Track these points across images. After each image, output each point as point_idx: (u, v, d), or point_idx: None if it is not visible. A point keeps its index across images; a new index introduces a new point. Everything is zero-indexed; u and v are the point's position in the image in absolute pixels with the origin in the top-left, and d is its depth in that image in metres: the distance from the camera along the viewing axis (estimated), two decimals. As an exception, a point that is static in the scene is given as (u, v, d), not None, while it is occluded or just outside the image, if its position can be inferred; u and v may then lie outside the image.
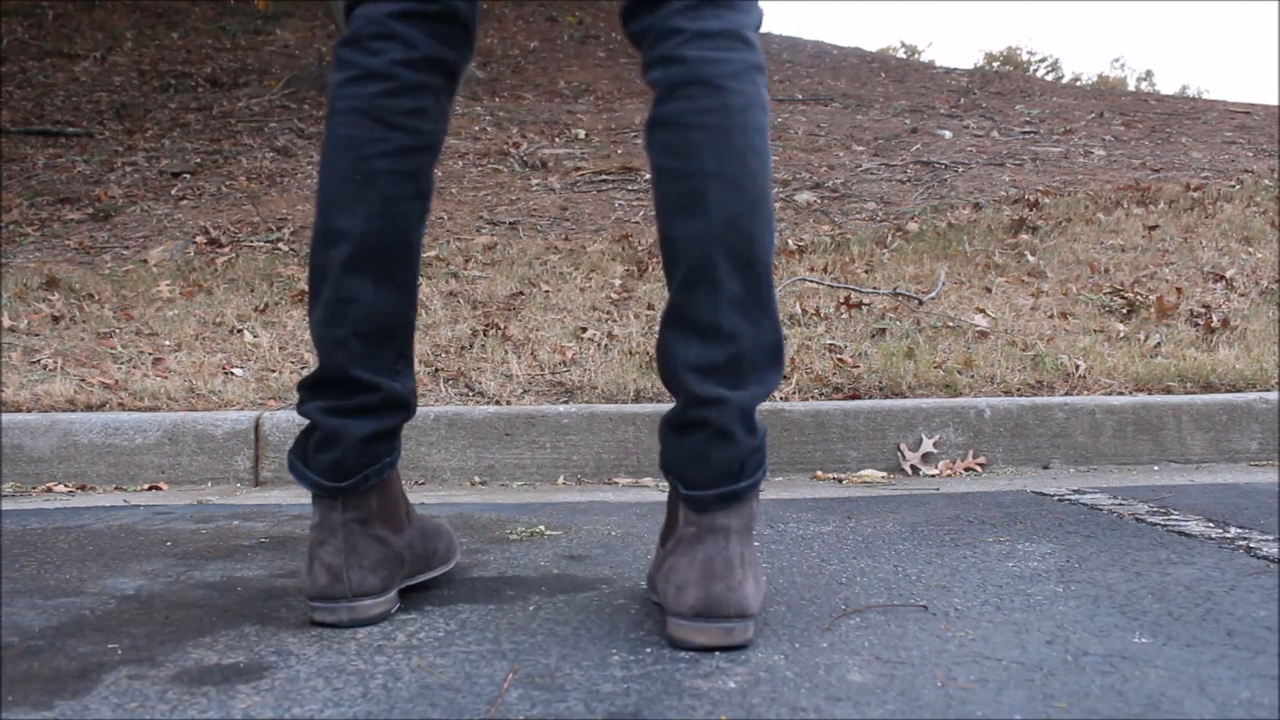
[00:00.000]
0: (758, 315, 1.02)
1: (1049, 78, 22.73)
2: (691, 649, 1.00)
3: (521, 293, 3.33)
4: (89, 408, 2.40)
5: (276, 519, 1.78)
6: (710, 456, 1.01)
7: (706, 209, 1.01)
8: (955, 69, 9.19)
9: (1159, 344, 2.93)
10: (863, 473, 2.31)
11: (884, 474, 2.31)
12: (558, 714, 0.84)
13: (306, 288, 1.14)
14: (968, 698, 0.87)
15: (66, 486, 2.21)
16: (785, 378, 2.61)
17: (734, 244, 1.01)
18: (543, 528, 1.66)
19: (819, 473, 2.32)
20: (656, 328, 2.96)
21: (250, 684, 0.92)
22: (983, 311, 3.16)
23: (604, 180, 4.94)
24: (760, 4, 1.11)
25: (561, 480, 2.28)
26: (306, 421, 1.13)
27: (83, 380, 2.54)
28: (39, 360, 2.69)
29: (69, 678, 0.94)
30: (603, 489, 2.18)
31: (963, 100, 7.42)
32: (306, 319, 1.15)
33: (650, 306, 3.16)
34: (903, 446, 2.35)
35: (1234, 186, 4.76)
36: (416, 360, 2.74)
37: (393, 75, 1.09)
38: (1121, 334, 3.03)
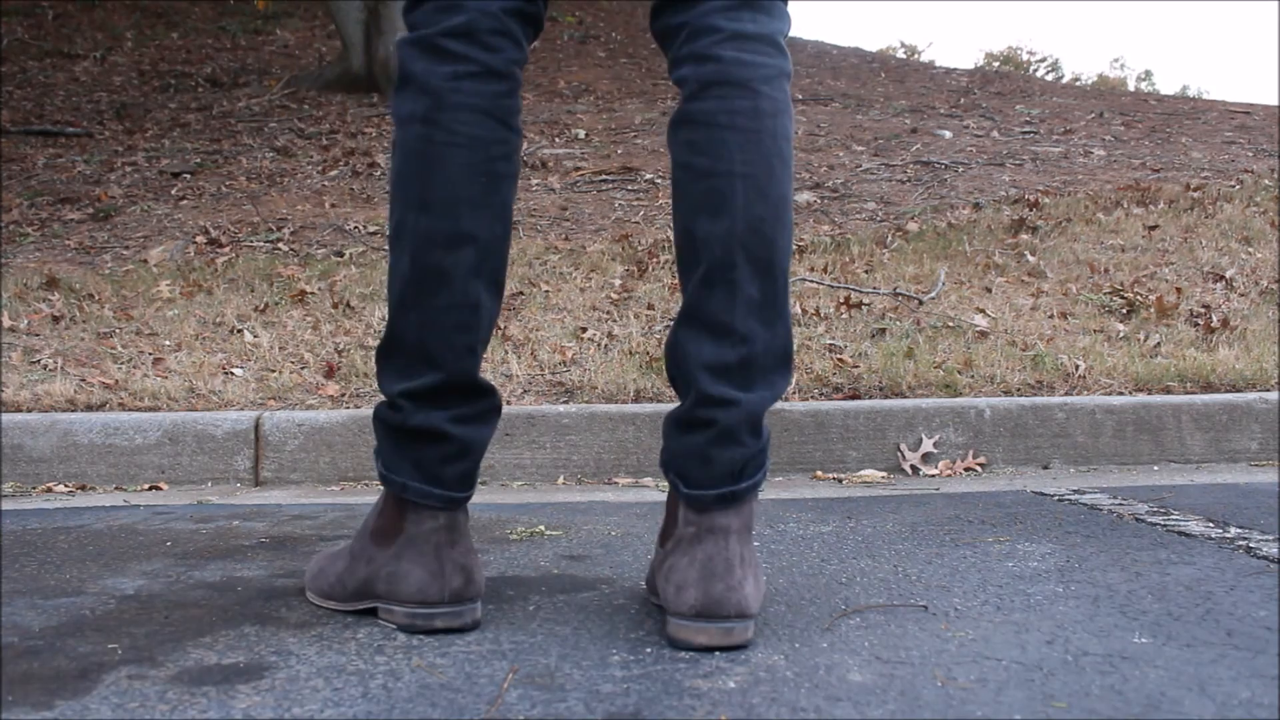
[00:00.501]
0: (772, 319, 1.03)
1: (1049, 78, 22.74)
2: (691, 649, 1.00)
3: (521, 293, 3.33)
4: (89, 408, 2.40)
5: (276, 519, 1.78)
6: (713, 456, 1.02)
7: (731, 210, 1.01)
8: (955, 69, 9.19)
9: (1159, 344, 2.93)
10: (863, 473, 2.31)
11: (884, 474, 2.31)
12: (558, 714, 0.84)
13: (398, 286, 1.05)
14: (968, 698, 0.87)
15: (66, 486, 2.21)
16: (785, 378, 2.61)
17: (755, 247, 1.01)
18: (543, 528, 1.66)
19: (819, 473, 2.32)
20: (657, 328, 2.97)
21: (250, 684, 0.92)
22: (983, 311, 3.16)
23: (604, 180, 4.94)
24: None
25: (561, 480, 2.28)
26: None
27: (83, 380, 2.54)
28: (39, 360, 2.69)
29: (69, 678, 0.94)
30: (603, 489, 2.18)
31: (963, 100, 7.42)
32: (394, 317, 1.08)
33: (650, 306, 3.16)
34: (903, 446, 2.35)
35: (1234, 186, 4.76)
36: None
37: (512, 75, 1.07)
38: (1121, 334, 3.03)
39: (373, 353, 2.77)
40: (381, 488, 1.14)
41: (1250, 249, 3.85)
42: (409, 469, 1.07)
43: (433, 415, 1.06)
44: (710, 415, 1.01)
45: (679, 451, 1.04)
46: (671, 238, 1.12)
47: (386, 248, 1.13)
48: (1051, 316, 3.17)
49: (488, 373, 2.65)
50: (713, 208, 1.02)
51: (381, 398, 1.11)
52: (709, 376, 1.02)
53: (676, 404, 1.08)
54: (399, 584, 1.07)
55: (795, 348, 2.81)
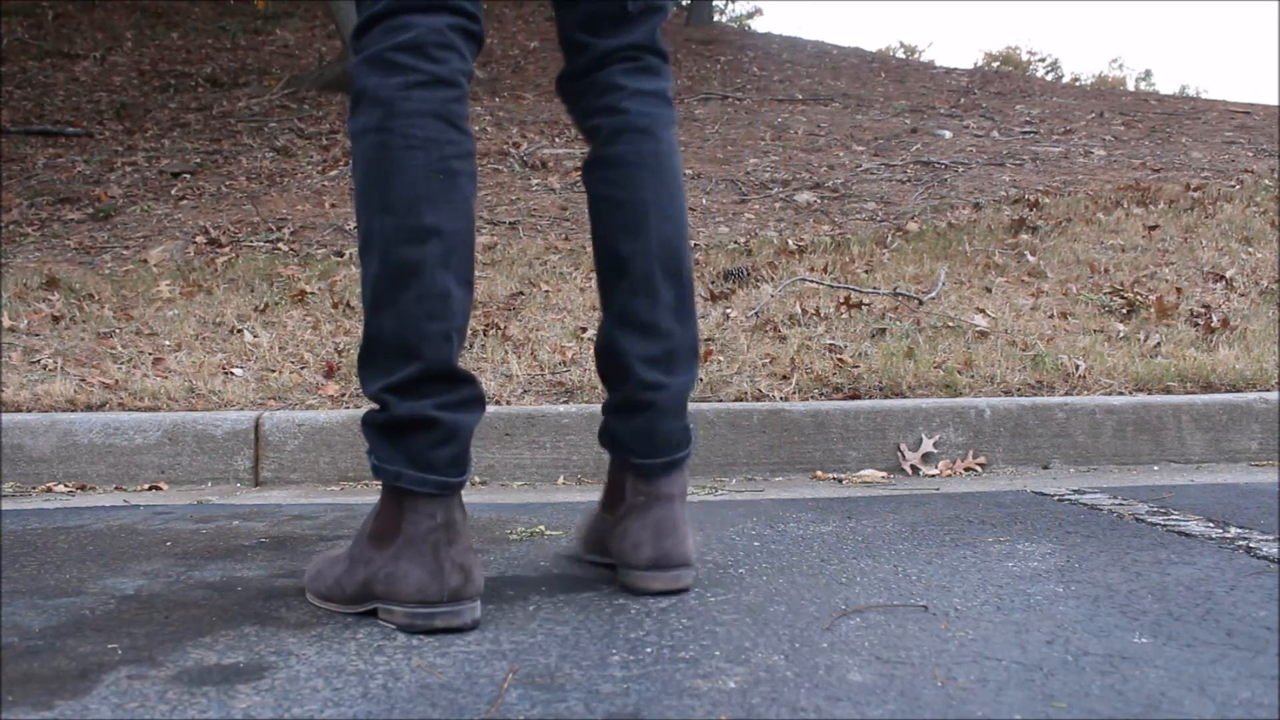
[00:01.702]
0: (685, 318, 1.26)
1: (1049, 78, 22.73)
2: (649, 593, 1.22)
3: (521, 293, 3.33)
4: (89, 408, 2.40)
5: (276, 519, 1.78)
6: (655, 431, 1.23)
7: (647, 230, 1.23)
8: (955, 69, 9.19)
9: (1159, 344, 2.93)
10: (863, 473, 2.31)
11: (884, 474, 2.31)
12: (558, 714, 0.84)
13: (370, 288, 1.11)
14: (968, 698, 0.87)
15: (66, 486, 2.21)
16: (785, 378, 2.61)
17: (667, 259, 1.24)
18: (543, 528, 1.66)
19: (819, 473, 2.32)
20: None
21: (250, 684, 0.92)
22: (983, 311, 3.16)
23: (604, 180, 4.93)
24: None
25: (561, 480, 2.28)
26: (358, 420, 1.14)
27: (83, 380, 2.54)
28: (39, 360, 2.69)
29: (69, 678, 0.94)
30: (602, 489, 2.18)
31: (963, 100, 7.42)
32: (373, 316, 1.12)
33: (650, 306, 3.16)
34: (903, 446, 2.35)
35: (1234, 186, 4.76)
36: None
37: (458, 83, 1.14)
38: (1121, 334, 3.03)
39: (373, 353, 2.77)
40: (380, 493, 1.15)
41: (1250, 249, 3.85)
42: (401, 460, 1.10)
43: (417, 405, 1.10)
44: (649, 398, 1.23)
45: (626, 431, 1.24)
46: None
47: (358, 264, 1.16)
48: (1051, 316, 3.17)
49: (487, 373, 2.65)
50: (632, 229, 1.23)
51: (371, 406, 1.15)
52: (643, 366, 1.23)
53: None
54: (398, 584, 1.08)
55: (795, 348, 2.81)
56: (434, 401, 1.10)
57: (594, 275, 3.51)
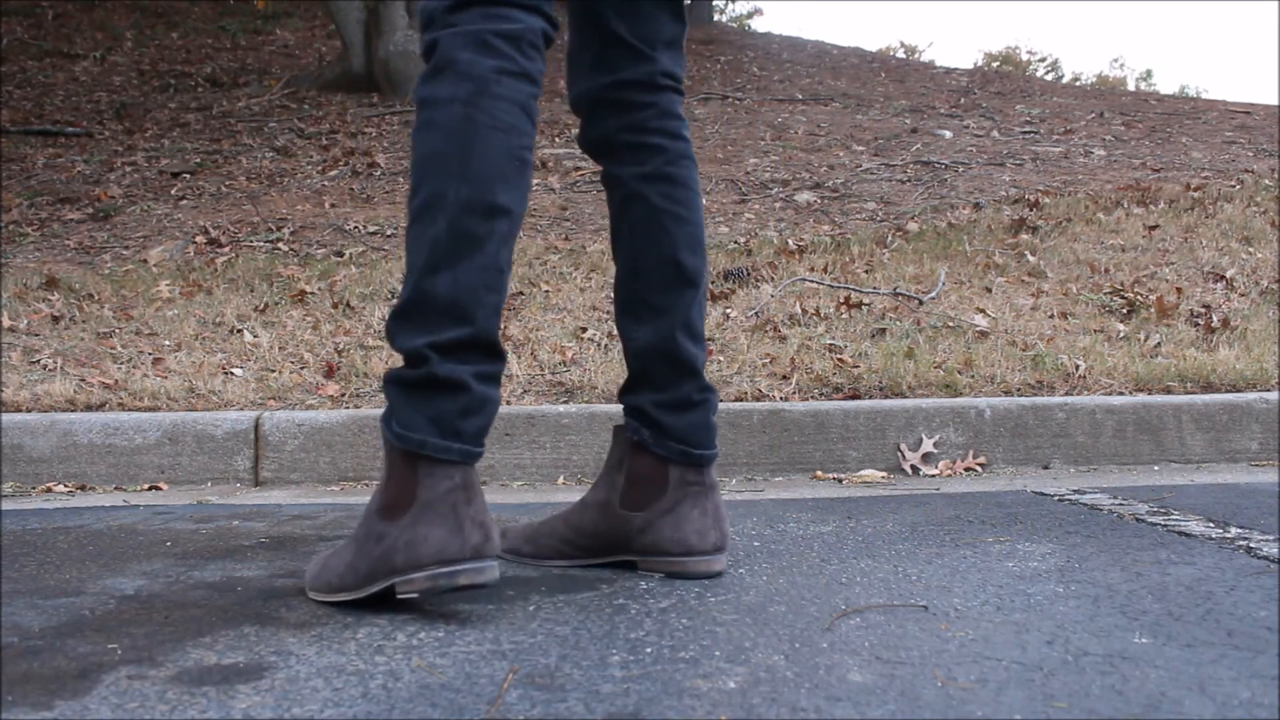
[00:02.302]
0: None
1: (1049, 78, 22.73)
2: (709, 576, 1.31)
3: (521, 293, 3.33)
4: (89, 408, 2.40)
5: (276, 519, 1.78)
6: (710, 425, 1.35)
7: (702, 251, 1.37)
8: (955, 69, 9.19)
9: (1159, 344, 2.93)
10: (863, 473, 2.31)
11: (884, 474, 2.31)
12: (558, 714, 0.84)
13: (426, 247, 1.12)
14: (968, 698, 0.87)
15: (66, 486, 2.21)
16: (785, 378, 2.61)
17: (705, 280, 1.39)
18: (543, 528, 1.66)
19: (819, 473, 2.32)
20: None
21: (250, 684, 0.92)
22: (983, 311, 3.16)
23: (604, 180, 4.93)
24: None
25: (561, 480, 2.28)
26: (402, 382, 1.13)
27: (83, 380, 2.54)
28: (39, 360, 2.69)
29: (69, 678, 0.94)
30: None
31: (963, 100, 7.42)
32: (419, 278, 1.13)
33: (650, 306, 3.16)
34: (903, 446, 2.35)
35: (1234, 186, 4.76)
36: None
37: (539, 82, 1.21)
38: (1121, 334, 3.03)
39: (373, 353, 2.77)
40: (387, 466, 1.15)
41: (1250, 249, 3.85)
42: (426, 425, 1.11)
43: (457, 368, 1.11)
44: (705, 397, 1.35)
45: (684, 426, 1.33)
46: None
47: (407, 220, 1.15)
48: (1052, 316, 3.17)
49: (488, 373, 2.65)
50: (693, 248, 1.35)
51: (397, 368, 1.15)
52: (698, 370, 1.35)
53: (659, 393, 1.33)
54: (418, 548, 1.09)
55: (795, 348, 2.82)
56: (473, 370, 1.12)
57: (594, 275, 3.52)
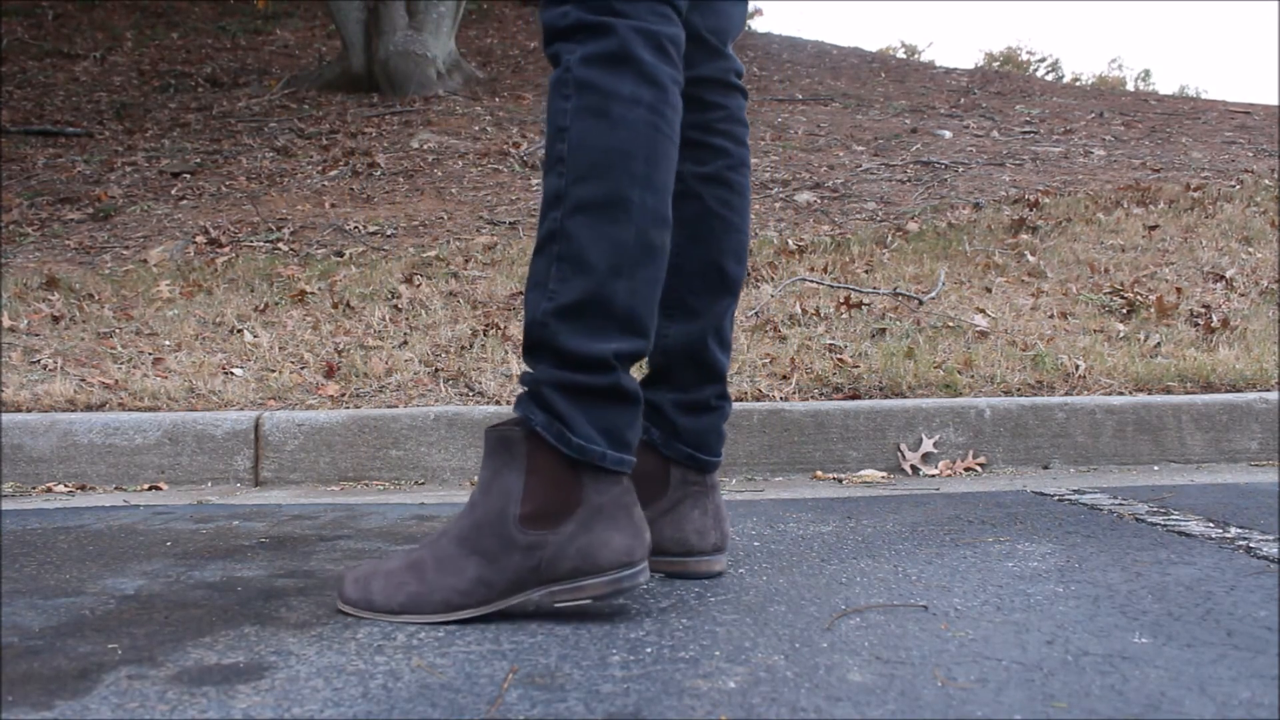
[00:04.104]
0: None
1: (1049, 78, 22.73)
2: (711, 576, 1.31)
3: (521, 293, 3.33)
4: (89, 408, 2.40)
5: (276, 519, 1.78)
6: (721, 434, 1.35)
7: (745, 260, 1.36)
8: (955, 69, 9.19)
9: (1159, 344, 2.93)
10: (863, 473, 2.31)
11: (884, 474, 2.31)
12: (558, 714, 0.84)
13: (610, 249, 1.07)
14: (968, 698, 0.87)
15: (66, 486, 2.21)
16: (785, 378, 2.61)
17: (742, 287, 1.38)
18: (543, 528, 1.66)
19: (819, 473, 2.32)
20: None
21: (250, 684, 0.92)
22: (983, 311, 3.16)
23: (604, 180, 4.93)
24: None
25: (561, 480, 2.28)
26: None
27: (83, 380, 2.54)
28: (39, 360, 2.69)
29: (69, 678, 0.94)
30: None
31: (963, 100, 7.42)
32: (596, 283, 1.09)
33: (650, 306, 3.16)
34: (903, 446, 2.35)
35: (1234, 186, 4.76)
36: (416, 360, 2.74)
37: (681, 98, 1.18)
38: (1121, 334, 3.03)
39: (373, 353, 2.77)
40: (524, 475, 1.09)
41: (1250, 249, 3.85)
42: (599, 437, 1.08)
43: (633, 381, 1.10)
44: (720, 405, 1.35)
45: (698, 428, 1.32)
46: None
47: (566, 207, 1.10)
48: (1051, 316, 3.17)
49: (487, 372, 2.65)
50: (737, 256, 1.34)
51: (558, 373, 1.09)
52: (723, 377, 1.35)
53: (679, 393, 1.32)
54: (598, 553, 1.08)
55: (795, 348, 2.82)
56: (637, 383, 1.11)
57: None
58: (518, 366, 2.66)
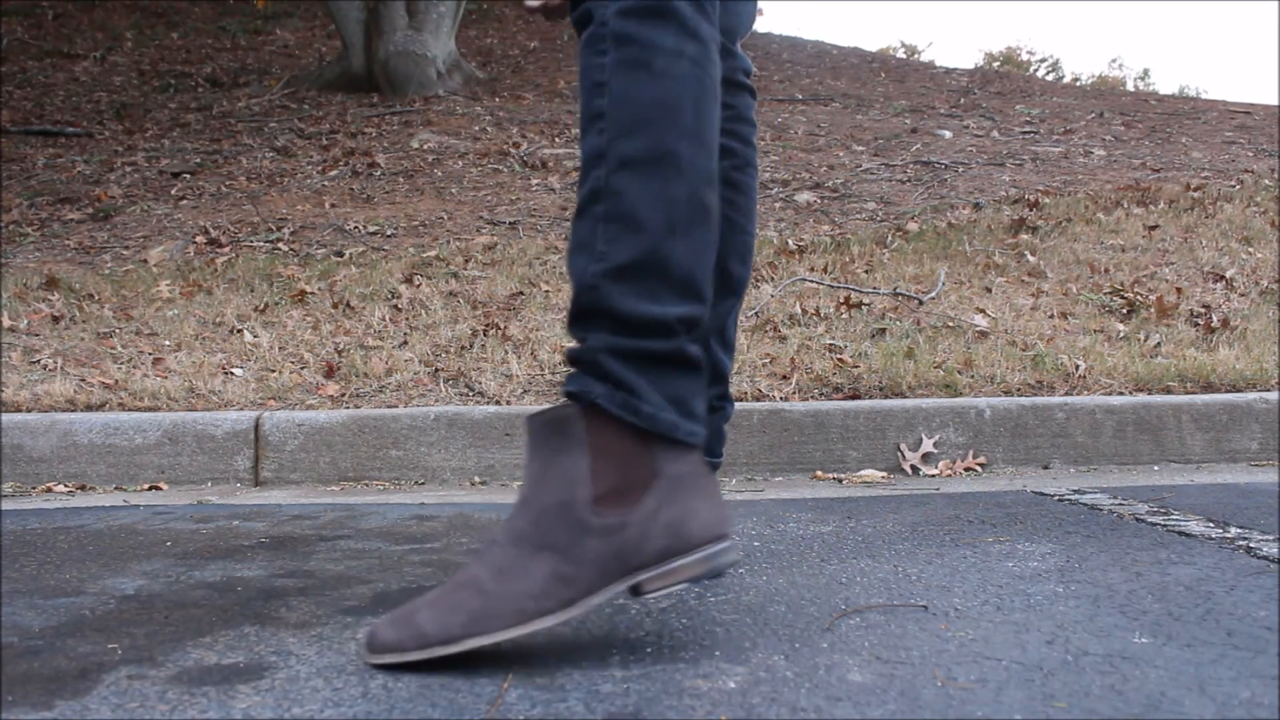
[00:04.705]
0: None
1: (1049, 78, 22.74)
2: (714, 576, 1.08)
3: (521, 293, 3.33)
4: (89, 408, 2.40)
5: (276, 519, 1.78)
6: (721, 435, 1.35)
7: (750, 261, 1.35)
8: (955, 69, 9.19)
9: (1159, 344, 2.93)
10: (863, 473, 2.31)
11: (884, 474, 2.31)
12: (558, 714, 0.84)
13: (664, 205, 0.98)
14: (968, 698, 0.87)
15: (66, 486, 2.21)
16: (785, 378, 2.61)
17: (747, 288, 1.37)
18: (543, 528, 1.66)
19: (819, 473, 2.32)
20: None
21: (250, 684, 0.92)
22: (983, 311, 3.16)
23: (604, 180, 4.93)
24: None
25: (561, 480, 2.28)
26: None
27: (83, 380, 2.54)
28: (39, 360, 2.69)
29: (69, 678, 0.94)
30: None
31: (963, 100, 7.42)
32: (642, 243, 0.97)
33: (650, 306, 3.16)
34: (903, 446, 2.35)
35: (1234, 186, 4.76)
36: (416, 360, 2.74)
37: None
38: (1121, 334, 3.03)
39: (373, 353, 2.77)
40: (586, 451, 0.96)
41: (1250, 249, 3.85)
42: (668, 406, 0.97)
43: (698, 349, 1.00)
44: (722, 405, 1.35)
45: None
46: None
47: (613, 162, 1.00)
48: (1051, 316, 3.17)
49: (487, 373, 2.65)
50: (743, 257, 1.33)
51: (615, 339, 0.98)
52: (726, 378, 1.34)
53: None
54: (687, 526, 0.96)
55: (795, 348, 2.81)
56: (700, 350, 1.01)
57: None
58: (518, 367, 2.66)
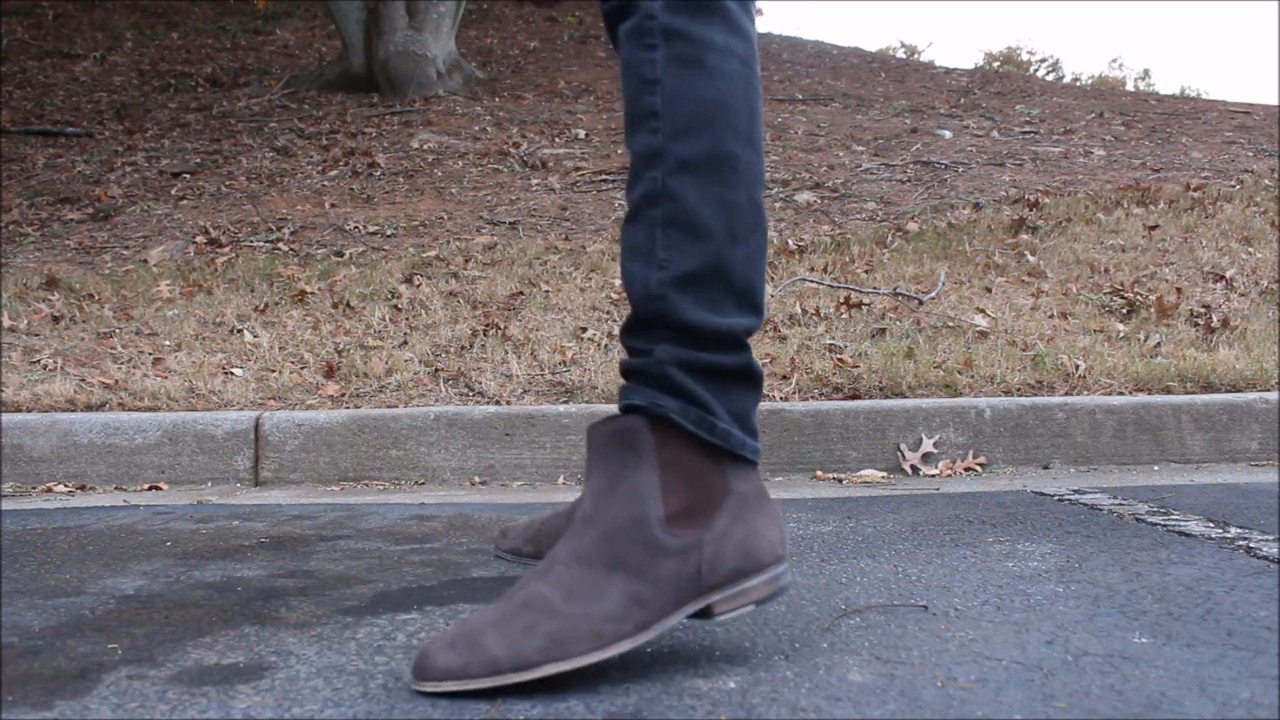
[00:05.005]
0: None
1: (1049, 78, 22.73)
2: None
3: (521, 293, 3.33)
4: (89, 408, 2.40)
5: (276, 519, 1.78)
6: None
7: None
8: (955, 69, 9.19)
9: (1159, 344, 2.93)
10: (863, 473, 2.31)
11: (884, 474, 2.31)
12: (557, 714, 0.84)
13: (725, 212, 0.96)
14: (968, 698, 0.87)
15: (66, 486, 2.21)
16: (785, 378, 2.61)
17: None
18: (543, 528, 1.66)
19: (819, 473, 2.32)
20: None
21: (250, 684, 0.92)
22: (983, 311, 3.16)
23: (604, 180, 4.94)
24: None
25: (561, 480, 2.28)
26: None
27: (83, 380, 2.54)
28: (39, 360, 2.69)
29: (69, 678, 0.94)
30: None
31: (963, 100, 7.42)
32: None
33: (650, 306, 3.16)
34: (903, 446, 2.35)
35: (1234, 186, 4.76)
36: (416, 360, 2.74)
37: None
38: (1121, 334, 3.03)
39: (373, 353, 2.77)
40: (656, 473, 0.93)
41: (1250, 249, 3.85)
42: (734, 421, 0.96)
43: (757, 361, 0.98)
44: None
45: None
46: None
47: (669, 164, 0.95)
48: (1051, 316, 3.17)
49: (487, 373, 2.65)
50: None
51: (681, 350, 0.95)
52: None
53: None
54: (756, 545, 0.94)
55: (795, 348, 2.81)
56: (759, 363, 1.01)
57: (594, 275, 3.52)
58: (518, 367, 2.66)
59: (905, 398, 2.51)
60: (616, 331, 2.94)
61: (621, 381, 1.05)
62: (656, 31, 0.97)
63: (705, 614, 0.93)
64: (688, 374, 0.94)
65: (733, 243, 0.95)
